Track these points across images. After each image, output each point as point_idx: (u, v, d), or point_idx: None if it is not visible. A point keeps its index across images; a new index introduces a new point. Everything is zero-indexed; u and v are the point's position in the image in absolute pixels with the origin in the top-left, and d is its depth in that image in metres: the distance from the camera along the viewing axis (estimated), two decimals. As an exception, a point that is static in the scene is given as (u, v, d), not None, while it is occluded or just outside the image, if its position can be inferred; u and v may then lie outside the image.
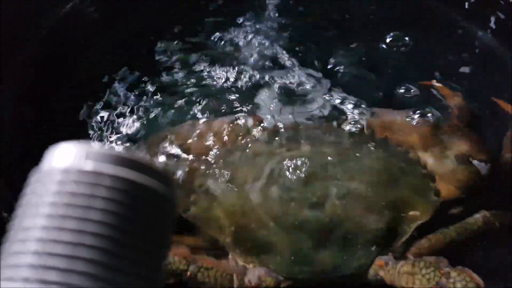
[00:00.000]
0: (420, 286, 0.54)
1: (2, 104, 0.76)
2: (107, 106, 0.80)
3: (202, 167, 0.64)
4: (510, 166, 0.67)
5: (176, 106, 0.79)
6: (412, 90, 0.80)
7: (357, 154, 0.61)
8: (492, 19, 0.87)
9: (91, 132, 0.76)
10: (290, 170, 0.59)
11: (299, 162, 0.60)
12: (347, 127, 0.66)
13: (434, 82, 0.79)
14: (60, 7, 0.89)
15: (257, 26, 0.89)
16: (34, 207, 0.26)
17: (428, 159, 0.64)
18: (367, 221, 0.58)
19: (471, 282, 0.52)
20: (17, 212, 0.26)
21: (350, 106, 0.74)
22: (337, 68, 0.85)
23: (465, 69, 0.85)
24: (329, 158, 0.60)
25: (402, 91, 0.80)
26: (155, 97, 0.80)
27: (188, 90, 0.82)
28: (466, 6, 0.89)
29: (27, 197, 0.26)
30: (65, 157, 0.27)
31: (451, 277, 0.52)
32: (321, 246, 0.57)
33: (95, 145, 0.27)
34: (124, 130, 0.76)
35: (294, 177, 0.59)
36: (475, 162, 0.64)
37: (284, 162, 0.60)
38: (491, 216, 0.60)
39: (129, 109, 0.79)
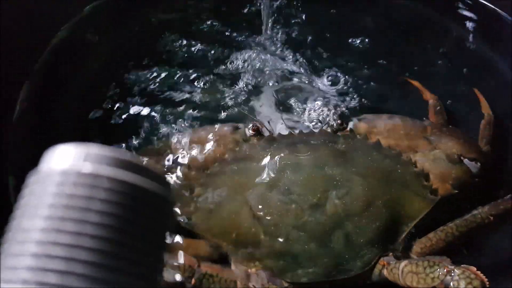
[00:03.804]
0: (424, 285, 0.54)
1: (6, 106, 0.77)
2: (108, 111, 0.81)
3: (202, 176, 0.64)
4: (490, 159, 0.69)
5: (175, 114, 0.80)
6: (405, 96, 0.83)
7: (353, 157, 0.62)
8: (484, 25, 0.90)
9: (91, 135, 0.77)
10: (289, 173, 0.59)
11: (297, 165, 0.60)
12: (341, 132, 0.66)
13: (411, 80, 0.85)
14: (69, 16, 0.91)
15: (256, 38, 0.90)
16: (33, 208, 0.26)
17: (420, 160, 0.66)
18: (367, 221, 0.58)
19: (476, 279, 0.51)
20: (16, 213, 0.26)
21: (344, 112, 0.77)
22: (333, 76, 0.86)
23: (458, 73, 0.87)
24: (326, 160, 0.60)
25: (396, 96, 0.84)
26: (154, 105, 0.81)
27: (187, 100, 0.82)
28: (463, 13, 0.90)
29: (26, 198, 0.26)
30: (63, 159, 0.27)
31: (455, 275, 0.52)
32: (323, 248, 0.57)
33: (94, 147, 0.27)
34: (124, 136, 0.77)
35: (294, 180, 0.59)
36: (465, 161, 0.66)
37: (283, 166, 0.60)
38: (488, 210, 0.61)
39: (129, 116, 0.80)
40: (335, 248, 0.57)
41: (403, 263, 0.57)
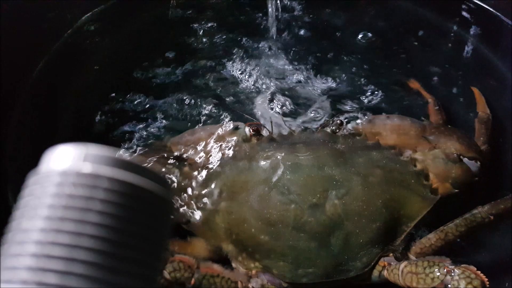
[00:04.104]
0: (424, 285, 0.54)
1: (6, 107, 0.78)
2: (109, 112, 0.81)
3: (201, 176, 0.64)
4: (489, 158, 0.69)
5: (175, 115, 0.80)
6: (404, 96, 0.83)
7: (352, 156, 0.62)
8: (483, 26, 0.90)
9: (92, 136, 0.77)
10: (288, 173, 0.59)
11: (297, 166, 0.60)
12: (340, 133, 0.66)
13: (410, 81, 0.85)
14: (72, 18, 0.92)
15: (258, 40, 0.90)
16: (33, 209, 0.26)
17: (419, 159, 0.66)
18: (367, 221, 0.58)
19: (476, 279, 0.51)
20: (16, 214, 0.26)
21: (343, 113, 0.78)
22: (332, 76, 0.86)
23: (457, 73, 0.88)
24: (326, 160, 0.60)
25: (395, 97, 0.83)
26: (155, 105, 0.82)
27: (187, 101, 0.83)
28: (463, 15, 0.91)
29: (25, 199, 0.26)
30: (63, 159, 0.27)
31: (455, 275, 0.52)
32: (323, 248, 0.57)
33: (93, 147, 0.27)
34: (124, 136, 0.77)
35: (293, 180, 0.59)
36: (465, 160, 0.65)
37: (282, 166, 0.60)
38: (488, 210, 0.61)
39: (130, 117, 0.80)
40: (335, 248, 0.57)
41: (403, 263, 0.57)
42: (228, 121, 0.79)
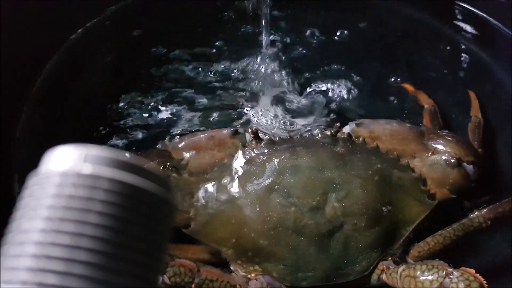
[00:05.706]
0: None
1: (12, 110, 0.78)
2: (111, 115, 0.81)
3: (201, 180, 0.64)
4: (484, 162, 0.69)
5: (175, 119, 0.81)
6: (402, 101, 0.84)
7: (352, 159, 0.62)
8: (480, 31, 0.91)
9: (94, 136, 0.77)
10: (288, 176, 0.59)
11: (296, 168, 0.60)
12: (339, 136, 0.66)
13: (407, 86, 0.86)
14: (79, 22, 0.92)
15: (255, 46, 0.91)
16: (32, 210, 0.25)
17: (417, 164, 0.66)
18: (366, 224, 0.58)
19: (474, 281, 0.51)
20: (16, 215, 0.26)
21: (342, 117, 0.79)
22: (331, 81, 0.87)
23: (454, 78, 0.89)
24: (325, 162, 0.60)
25: (392, 101, 0.85)
26: (155, 109, 0.82)
27: (187, 105, 0.83)
28: (460, 20, 0.92)
29: (25, 200, 0.26)
30: (63, 160, 0.27)
31: (454, 277, 0.52)
32: (323, 252, 0.57)
33: (94, 148, 0.27)
34: (125, 138, 0.78)
35: (293, 183, 0.59)
36: (464, 165, 0.66)
37: (282, 169, 0.60)
38: (485, 214, 0.61)
39: (131, 119, 0.81)
40: (334, 252, 0.57)
41: (401, 267, 0.57)
42: (227, 125, 0.79)
